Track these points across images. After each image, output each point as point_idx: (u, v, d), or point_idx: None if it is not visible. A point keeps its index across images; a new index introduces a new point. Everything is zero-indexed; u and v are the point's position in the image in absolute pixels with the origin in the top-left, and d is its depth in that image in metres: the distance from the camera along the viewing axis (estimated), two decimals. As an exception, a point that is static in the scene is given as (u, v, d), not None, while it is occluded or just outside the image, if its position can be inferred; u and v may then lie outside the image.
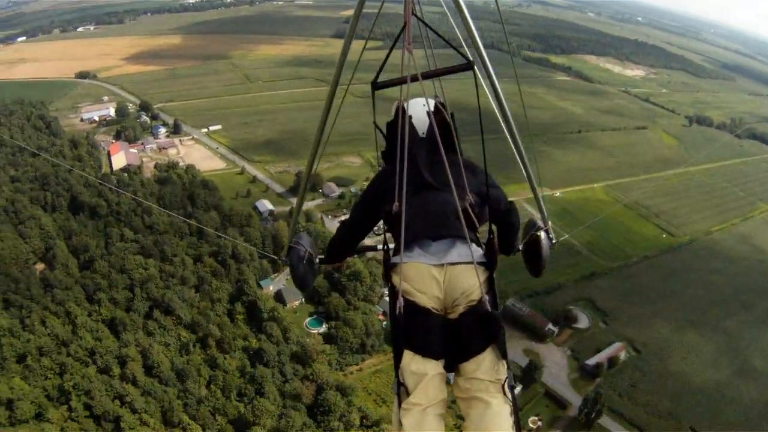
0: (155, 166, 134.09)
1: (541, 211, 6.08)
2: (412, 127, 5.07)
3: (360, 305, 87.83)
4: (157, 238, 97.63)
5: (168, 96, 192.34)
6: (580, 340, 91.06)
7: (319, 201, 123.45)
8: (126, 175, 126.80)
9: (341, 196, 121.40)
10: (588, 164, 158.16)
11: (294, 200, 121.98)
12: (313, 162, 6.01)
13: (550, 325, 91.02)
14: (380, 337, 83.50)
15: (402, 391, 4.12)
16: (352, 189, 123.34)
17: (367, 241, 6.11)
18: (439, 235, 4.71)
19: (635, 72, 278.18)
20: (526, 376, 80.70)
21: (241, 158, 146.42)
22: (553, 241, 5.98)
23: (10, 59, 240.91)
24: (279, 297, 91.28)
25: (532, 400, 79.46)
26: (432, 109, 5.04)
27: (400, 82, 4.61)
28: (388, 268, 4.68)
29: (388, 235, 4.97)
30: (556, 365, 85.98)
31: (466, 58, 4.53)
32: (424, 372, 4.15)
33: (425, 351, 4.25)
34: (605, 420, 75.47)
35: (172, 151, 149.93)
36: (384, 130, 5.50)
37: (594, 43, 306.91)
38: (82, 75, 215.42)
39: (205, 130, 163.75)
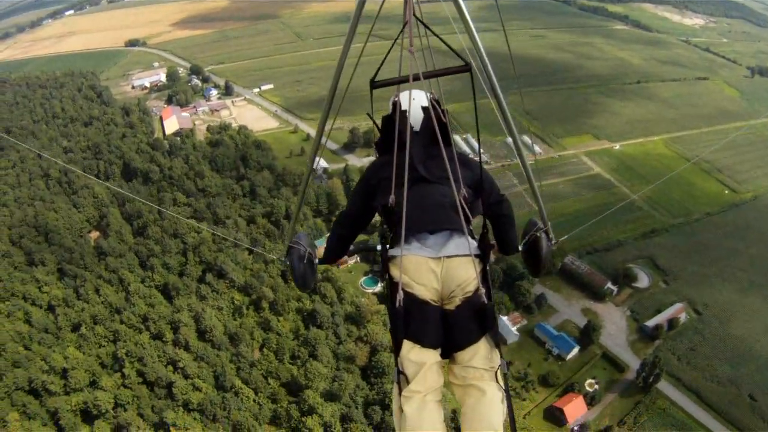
0: (207, 129, 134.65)
1: (540, 211, 5.96)
2: (407, 121, 4.99)
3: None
4: (210, 200, 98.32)
5: (218, 58, 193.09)
6: (640, 299, 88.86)
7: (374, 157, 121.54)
8: (178, 139, 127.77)
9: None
10: (648, 116, 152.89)
11: (348, 156, 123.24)
12: (314, 160, 6.05)
13: (609, 284, 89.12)
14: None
15: (402, 379, 4.33)
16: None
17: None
18: (436, 228, 4.83)
19: (694, 21, 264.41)
20: (584, 336, 79.85)
21: (294, 116, 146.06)
22: (553, 242, 5.88)
23: (59, 33, 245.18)
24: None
25: (589, 361, 78.53)
26: (426, 102, 5.32)
27: (399, 81, 4.80)
28: (386, 260, 4.81)
29: (386, 227, 5.24)
30: (614, 326, 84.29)
31: (465, 61, 4.54)
32: (422, 361, 4.37)
33: (424, 341, 4.46)
34: (663, 384, 73.92)
35: (224, 113, 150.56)
36: (379, 123, 5.59)
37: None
38: (132, 43, 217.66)
39: (257, 90, 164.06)
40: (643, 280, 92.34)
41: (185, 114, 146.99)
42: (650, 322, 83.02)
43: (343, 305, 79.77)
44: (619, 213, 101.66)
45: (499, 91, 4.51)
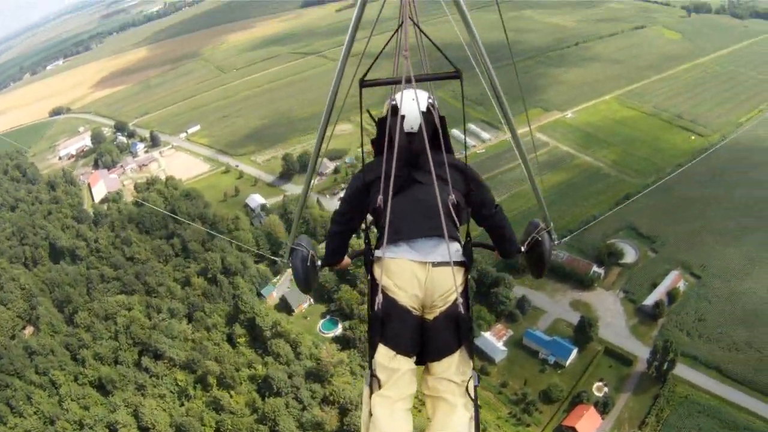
0: (135, 188, 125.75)
1: (542, 210, 6.12)
2: (402, 123, 4.82)
3: (375, 293, 77.71)
4: (139, 269, 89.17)
5: (142, 109, 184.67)
6: (631, 277, 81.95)
7: (314, 181, 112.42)
8: (105, 206, 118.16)
9: (336, 171, 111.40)
10: (594, 77, 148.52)
11: (286, 187, 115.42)
12: (315, 163, 5.94)
13: (594, 267, 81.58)
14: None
15: (374, 382, 4.28)
16: (347, 159, 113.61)
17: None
18: (426, 233, 4.73)
19: None
20: (580, 334, 71.96)
21: (225, 155, 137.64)
22: (556, 242, 5.95)
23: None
24: (284, 303, 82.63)
25: (592, 361, 70.68)
26: (424, 106, 5.05)
27: (389, 82, 4.88)
28: (371, 261, 4.80)
29: (372, 227, 5.24)
30: (610, 313, 76.63)
31: (455, 67, 4.74)
32: (396, 368, 4.33)
33: (399, 348, 4.40)
34: (679, 368, 66.53)
35: (153, 166, 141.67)
36: (376, 117, 5.39)
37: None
38: (56, 112, 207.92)
39: (184, 134, 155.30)
40: (629, 254, 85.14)
41: (113, 176, 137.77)
42: (648, 300, 75.86)
43: (302, 361, 70.01)
44: (586, 185, 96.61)
45: (502, 94, 4.82)
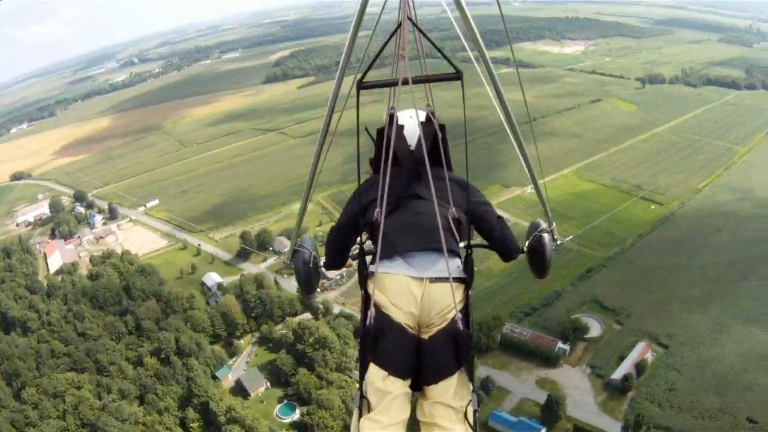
0: (90, 260, 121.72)
1: (545, 210, 6.48)
2: (402, 137, 5.03)
3: (334, 377, 74.88)
4: (91, 345, 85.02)
5: (103, 180, 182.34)
6: (597, 351, 79.94)
7: (271, 260, 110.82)
8: (60, 278, 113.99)
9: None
10: (553, 151, 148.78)
11: (243, 265, 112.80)
12: (317, 161, 5.71)
13: (559, 344, 79.69)
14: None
15: (364, 404, 4.06)
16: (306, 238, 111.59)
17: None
18: (423, 248, 4.57)
19: (574, 48, 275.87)
20: (548, 414, 69.02)
21: (183, 230, 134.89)
22: (558, 242, 6.27)
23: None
24: (240, 387, 79.06)
25: None
26: (423, 119, 5.08)
27: (388, 84, 4.69)
28: (365, 276, 4.65)
29: (369, 242, 5.18)
30: (578, 390, 73.95)
31: (456, 69, 4.56)
32: (389, 390, 4.07)
33: (393, 369, 4.15)
34: None
35: (110, 239, 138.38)
36: (374, 135, 5.28)
37: (527, 30, 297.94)
38: (17, 177, 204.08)
39: (143, 208, 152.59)
40: (594, 329, 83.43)
41: (69, 247, 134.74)
42: (616, 374, 73.85)
43: (257, 449, 66.35)
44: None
45: (504, 95, 4.74)
